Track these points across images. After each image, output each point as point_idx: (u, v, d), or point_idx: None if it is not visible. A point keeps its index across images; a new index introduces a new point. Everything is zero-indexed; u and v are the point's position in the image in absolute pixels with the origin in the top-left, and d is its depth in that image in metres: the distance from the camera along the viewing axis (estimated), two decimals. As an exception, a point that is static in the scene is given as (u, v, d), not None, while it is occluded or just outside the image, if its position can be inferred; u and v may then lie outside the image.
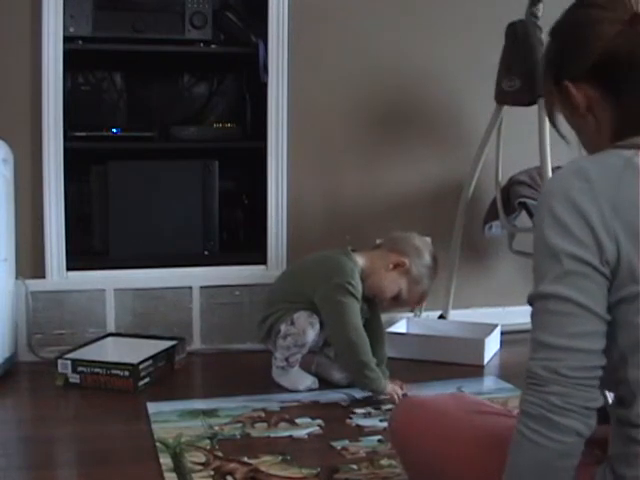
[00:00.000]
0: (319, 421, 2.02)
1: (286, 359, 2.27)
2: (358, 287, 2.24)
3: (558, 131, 1.25)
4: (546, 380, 1.03)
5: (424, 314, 2.89)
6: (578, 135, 1.20)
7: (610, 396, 1.16)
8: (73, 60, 2.52)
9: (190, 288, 2.66)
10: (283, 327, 2.25)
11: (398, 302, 2.33)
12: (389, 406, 2.09)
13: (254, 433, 1.94)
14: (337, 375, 2.33)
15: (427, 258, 2.32)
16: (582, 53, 1.12)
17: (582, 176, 1.06)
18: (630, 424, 1.06)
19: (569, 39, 1.15)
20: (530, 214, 2.66)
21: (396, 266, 2.28)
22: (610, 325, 1.05)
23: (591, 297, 1.03)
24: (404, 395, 2.14)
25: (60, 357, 2.30)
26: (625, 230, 1.02)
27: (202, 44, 2.63)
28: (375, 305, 2.37)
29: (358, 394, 2.21)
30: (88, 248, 2.69)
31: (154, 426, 1.96)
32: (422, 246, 2.34)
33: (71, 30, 2.49)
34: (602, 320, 1.04)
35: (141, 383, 2.25)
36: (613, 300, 1.04)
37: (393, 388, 2.15)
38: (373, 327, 2.34)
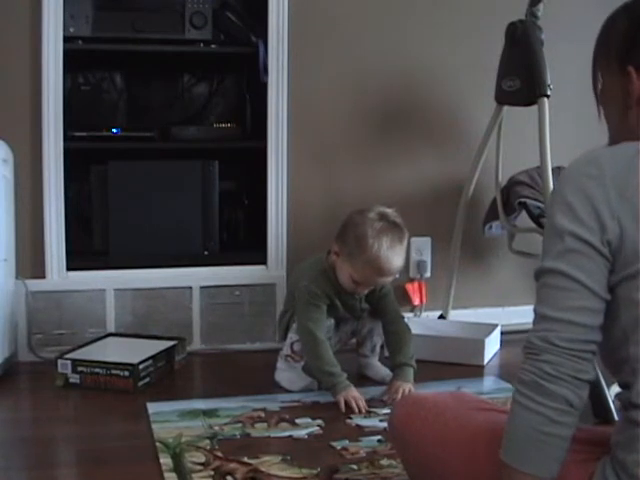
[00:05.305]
0: (319, 421, 2.02)
1: (291, 345, 2.27)
2: (317, 291, 2.22)
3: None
4: (540, 349, 1.09)
5: (424, 314, 2.90)
6: (609, 123, 1.23)
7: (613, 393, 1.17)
8: (73, 60, 2.52)
9: (190, 288, 2.66)
10: None
11: (364, 284, 2.22)
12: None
13: (254, 433, 1.94)
14: (382, 372, 2.35)
15: (362, 227, 2.15)
16: None
17: (593, 163, 1.11)
18: (632, 405, 1.08)
19: None
20: (530, 214, 2.65)
21: (336, 254, 2.23)
22: (613, 303, 1.09)
23: (588, 275, 1.08)
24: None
25: (60, 357, 2.30)
26: (631, 213, 1.07)
27: (202, 44, 2.62)
28: (381, 298, 2.34)
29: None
30: (88, 248, 2.69)
31: (154, 426, 1.96)
32: (353, 218, 2.20)
33: (71, 30, 2.49)
34: (598, 297, 1.09)
35: (141, 383, 2.25)
36: (617, 279, 1.09)
37: (346, 396, 2.08)
38: (386, 318, 2.34)
